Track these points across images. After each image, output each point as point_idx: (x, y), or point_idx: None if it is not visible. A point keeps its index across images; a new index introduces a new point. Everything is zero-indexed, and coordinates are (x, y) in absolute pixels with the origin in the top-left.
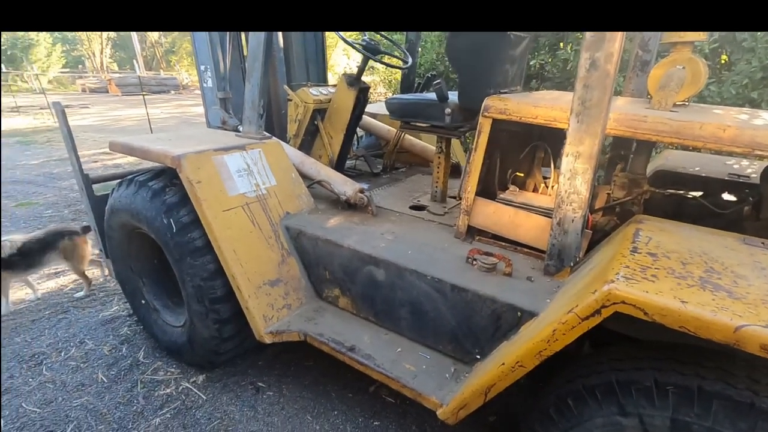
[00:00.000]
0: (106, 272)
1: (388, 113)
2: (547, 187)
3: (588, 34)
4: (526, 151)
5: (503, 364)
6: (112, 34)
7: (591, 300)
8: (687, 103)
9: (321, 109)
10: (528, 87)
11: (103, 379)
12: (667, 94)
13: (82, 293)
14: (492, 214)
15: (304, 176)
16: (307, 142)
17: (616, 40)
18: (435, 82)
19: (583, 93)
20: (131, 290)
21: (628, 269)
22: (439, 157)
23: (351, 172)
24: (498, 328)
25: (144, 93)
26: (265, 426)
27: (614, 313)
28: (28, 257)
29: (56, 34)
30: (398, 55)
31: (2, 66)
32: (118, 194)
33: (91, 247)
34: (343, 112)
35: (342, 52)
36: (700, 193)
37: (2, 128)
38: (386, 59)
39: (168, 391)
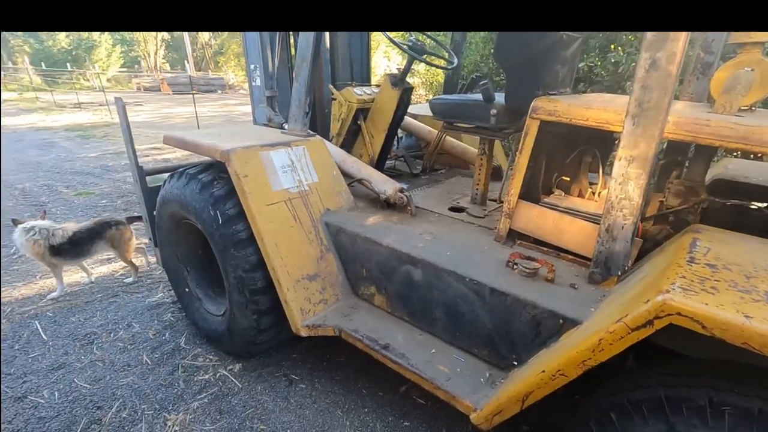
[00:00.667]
0: (154, 260)
1: (429, 114)
2: (594, 192)
3: (649, 34)
4: (574, 154)
5: (543, 371)
6: (167, 35)
7: (643, 310)
8: (753, 109)
9: (364, 109)
10: (576, 90)
11: (148, 361)
12: (732, 97)
13: (130, 279)
14: (535, 218)
15: (345, 174)
16: (349, 141)
17: (679, 39)
18: (482, 83)
19: (640, 94)
20: (176, 278)
21: (685, 280)
22: (481, 159)
23: (390, 172)
24: (537, 334)
25: (194, 92)
26: (296, 417)
27: (667, 325)
28: (78, 245)
29: (116, 35)
30: (444, 55)
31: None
32: (169, 186)
33: (135, 237)
34: (386, 112)
35: (382, 54)
36: (766, 204)
37: (65, 122)
38: (432, 59)
39: (206, 377)
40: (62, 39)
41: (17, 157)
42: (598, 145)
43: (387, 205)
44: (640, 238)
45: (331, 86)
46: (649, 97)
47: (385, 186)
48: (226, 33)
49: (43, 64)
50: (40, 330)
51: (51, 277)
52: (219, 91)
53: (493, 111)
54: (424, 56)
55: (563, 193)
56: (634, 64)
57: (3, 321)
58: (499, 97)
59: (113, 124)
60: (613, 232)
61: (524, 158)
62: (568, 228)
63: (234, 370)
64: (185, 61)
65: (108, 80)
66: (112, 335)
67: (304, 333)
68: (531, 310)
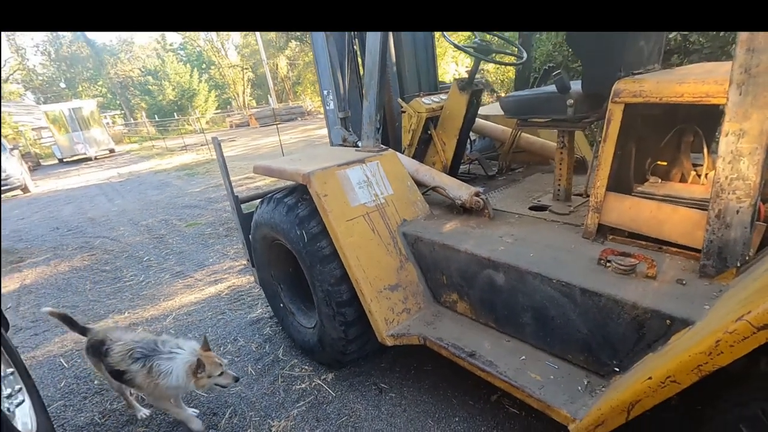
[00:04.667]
0: (253, 279)
1: (501, 113)
2: (699, 175)
3: None
4: (669, 136)
5: (650, 378)
6: (252, 75)
7: None
8: None
9: (434, 117)
10: (667, 64)
11: (252, 371)
12: None
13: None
14: (628, 210)
15: (419, 183)
16: (421, 151)
17: None
18: (554, 73)
19: (746, 58)
20: (271, 294)
21: None
22: (561, 153)
23: (465, 177)
24: (641, 337)
25: (276, 122)
26: (388, 426)
27: None
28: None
29: (211, 82)
30: (512, 51)
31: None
32: (260, 210)
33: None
34: (456, 117)
35: (450, 59)
36: None
37: (176, 164)
38: (499, 58)
39: (303, 386)
40: (169, 92)
41: (140, 198)
42: (699, 122)
43: (464, 210)
44: (762, 221)
45: (399, 100)
46: (757, 60)
47: (460, 191)
48: (303, 63)
49: (156, 116)
50: None
51: (172, 298)
52: (299, 119)
53: (570, 101)
54: (490, 55)
55: (660, 180)
56: None
57: None
58: (575, 86)
59: (213, 160)
60: (726, 217)
61: (609, 147)
62: (669, 217)
63: (327, 380)
64: (268, 96)
65: (206, 122)
66: (221, 348)
67: (389, 342)
68: (631, 310)
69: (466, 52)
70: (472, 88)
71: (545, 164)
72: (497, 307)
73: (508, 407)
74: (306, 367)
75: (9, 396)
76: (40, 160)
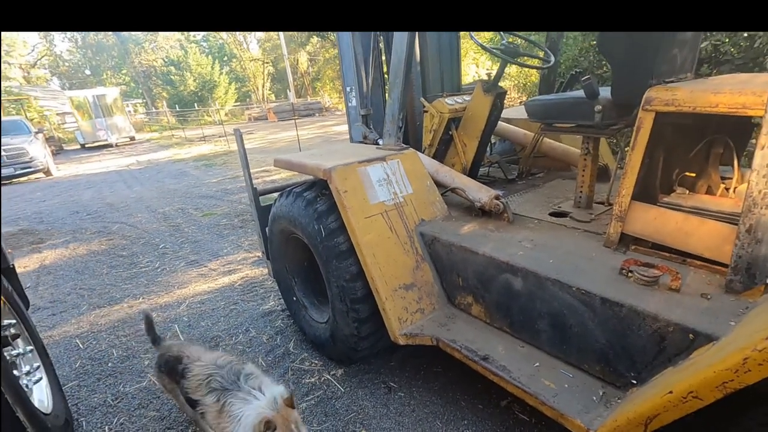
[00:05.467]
0: (266, 271)
1: (523, 117)
2: (727, 188)
3: None
4: (699, 147)
5: (670, 392)
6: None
7: None
8: None
9: (456, 118)
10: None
11: (263, 363)
12: None
13: None
14: (653, 221)
15: (439, 184)
16: (441, 151)
17: None
18: (584, 78)
19: None
20: (285, 288)
21: None
22: (585, 159)
23: (484, 179)
24: (661, 350)
25: (295, 117)
26: (396, 425)
27: None
28: None
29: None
30: (539, 54)
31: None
32: (279, 204)
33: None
34: (478, 118)
35: (471, 61)
36: None
37: (194, 154)
38: (526, 60)
39: (312, 380)
40: (190, 83)
41: (158, 186)
42: (731, 134)
43: (482, 213)
44: None
45: (422, 99)
46: None
47: (480, 193)
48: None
49: (177, 106)
50: (179, 332)
51: (186, 286)
52: (317, 114)
53: (598, 107)
54: (518, 58)
55: (687, 191)
56: None
57: None
58: (603, 92)
59: (230, 152)
60: (757, 233)
61: (637, 155)
62: (696, 230)
63: (337, 375)
64: (287, 90)
65: (225, 114)
66: (233, 338)
67: (402, 341)
68: (652, 322)
69: (493, 53)
70: (496, 90)
71: (566, 170)
72: (513, 312)
73: (517, 413)
74: (316, 362)
75: (28, 373)
76: (63, 145)
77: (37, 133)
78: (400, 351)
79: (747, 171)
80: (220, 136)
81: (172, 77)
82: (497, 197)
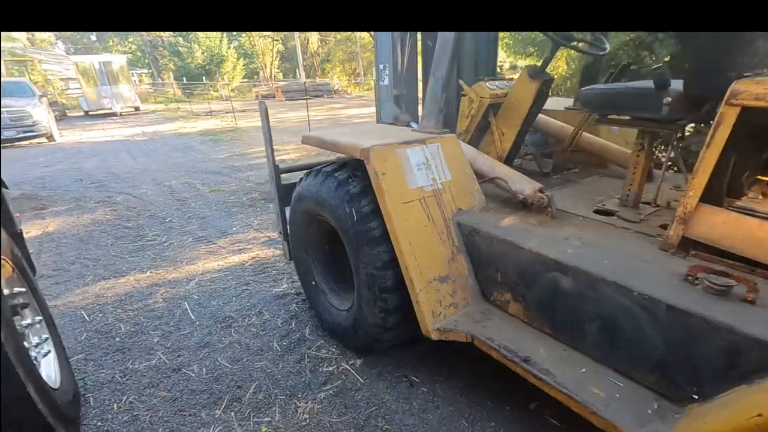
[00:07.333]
0: (279, 252)
1: (558, 108)
2: None
3: None
4: None
5: (759, 415)
6: (282, 47)
7: None
8: None
9: (495, 104)
10: None
11: (277, 348)
12: None
13: None
14: (721, 225)
15: (477, 173)
16: (476, 139)
17: None
18: (655, 67)
19: None
20: (304, 271)
21: None
22: (638, 156)
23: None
24: (733, 366)
25: (306, 97)
26: (420, 422)
27: None
28: None
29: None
30: (593, 41)
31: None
32: (305, 183)
33: None
34: (520, 106)
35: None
36: None
37: (200, 128)
38: (582, 46)
39: (330, 369)
40: (198, 56)
41: (164, 158)
42: None
43: (522, 205)
44: None
45: (461, 82)
46: None
47: (523, 185)
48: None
49: (184, 78)
50: (189, 310)
51: (195, 263)
52: (326, 96)
53: (667, 99)
54: (573, 43)
55: (760, 195)
56: None
57: (160, 300)
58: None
59: (238, 129)
60: None
61: (713, 153)
62: None
63: (356, 365)
64: (296, 70)
65: (232, 91)
66: (246, 320)
67: (434, 336)
68: (727, 335)
69: (547, 36)
70: (543, 77)
71: (603, 167)
72: (557, 312)
73: (548, 418)
74: (333, 350)
75: (36, 345)
76: (66, 111)
77: (41, 96)
78: (421, 344)
79: None
80: (227, 112)
81: (179, 48)
82: (542, 190)
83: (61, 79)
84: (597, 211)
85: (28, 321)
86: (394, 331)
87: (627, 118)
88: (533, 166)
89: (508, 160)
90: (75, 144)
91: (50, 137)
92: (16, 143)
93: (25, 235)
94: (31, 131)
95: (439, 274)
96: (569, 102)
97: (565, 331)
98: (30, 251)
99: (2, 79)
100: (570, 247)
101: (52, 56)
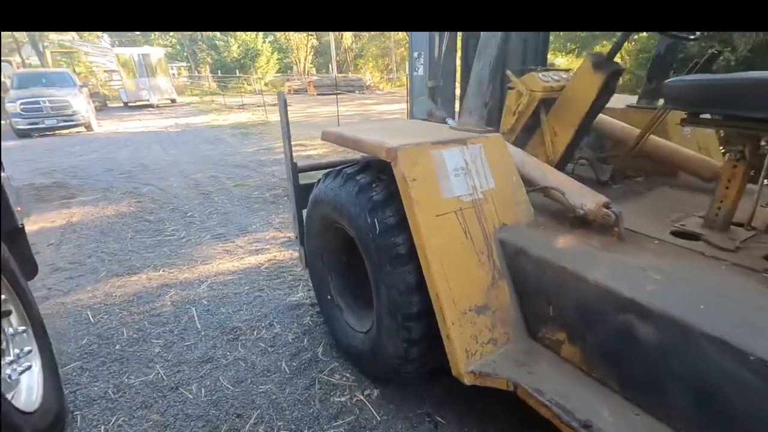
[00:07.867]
0: (297, 255)
1: (617, 107)
2: None
3: None
4: None
5: None
6: (316, 42)
7: None
8: None
9: (548, 99)
10: None
11: (286, 369)
12: None
13: None
14: None
15: (524, 180)
16: (521, 139)
17: None
18: None
19: None
20: (318, 282)
21: None
22: (734, 166)
23: None
24: None
25: (337, 92)
26: None
27: None
28: None
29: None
30: None
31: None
32: (323, 185)
33: None
34: (580, 102)
35: None
36: None
37: (232, 121)
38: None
39: (343, 399)
40: (234, 50)
41: (194, 150)
42: None
43: (580, 222)
44: None
45: (509, 72)
46: None
47: (584, 198)
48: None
49: (219, 71)
50: (196, 317)
51: (209, 262)
52: (357, 92)
53: None
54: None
55: None
56: None
57: (168, 303)
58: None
59: (268, 122)
60: None
61: None
62: None
63: (372, 397)
64: (329, 65)
65: (265, 84)
66: (255, 333)
67: (467, 381)
68: None
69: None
70: (610, 67)
71: (671, 175)
72: (630, 365)
73: None
74: (347, 375)
75: (12, 362)
76: (108, 102)
77: (81, 87)
78: (446, 377)
79: None
80: (258, 106)
81: (217, 42)
82: (607, 205)
83: (104, 71)
84: (676, 233)
85: (10, 332)
86: (417, 363)
87: (719, 117)
88: (587, 172)
89: (561, 166)
90: (111, 134)
91: (88, 127)
92: (57, 132)
93: (50, 224)
94: (71, 120)
95: (476, 304)
96: (630, 99)
97: (640, 389)
98: (50, 242)
99: (47, 69)
100: (649, 282)
101: (97, 48)
